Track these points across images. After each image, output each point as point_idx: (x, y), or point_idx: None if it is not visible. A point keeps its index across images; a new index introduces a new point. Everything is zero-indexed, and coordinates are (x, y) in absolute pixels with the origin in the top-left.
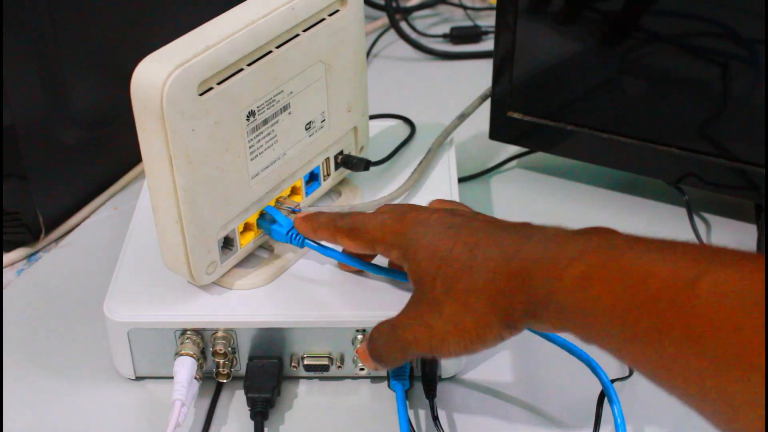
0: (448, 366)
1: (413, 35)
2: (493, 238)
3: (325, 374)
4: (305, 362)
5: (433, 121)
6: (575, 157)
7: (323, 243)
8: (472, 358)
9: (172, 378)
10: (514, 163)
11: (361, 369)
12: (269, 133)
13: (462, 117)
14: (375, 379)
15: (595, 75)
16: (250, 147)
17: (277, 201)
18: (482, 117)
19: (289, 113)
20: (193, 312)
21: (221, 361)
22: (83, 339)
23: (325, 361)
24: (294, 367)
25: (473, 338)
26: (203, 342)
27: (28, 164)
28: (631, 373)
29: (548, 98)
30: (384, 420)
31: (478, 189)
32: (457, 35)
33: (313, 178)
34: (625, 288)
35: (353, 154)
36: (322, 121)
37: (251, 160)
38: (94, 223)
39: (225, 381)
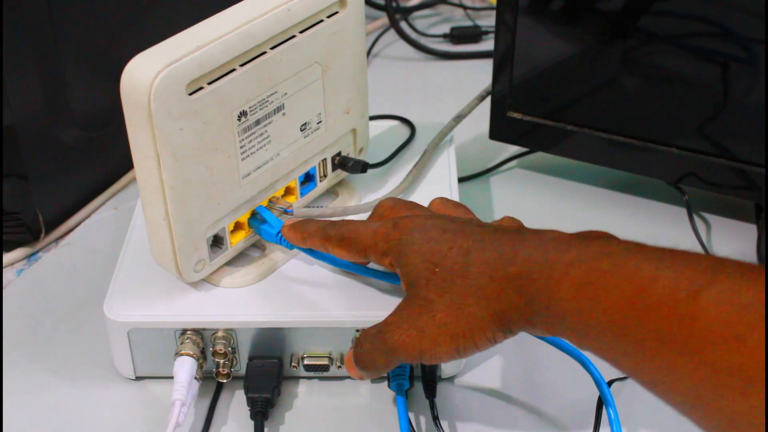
0: (448, 366)
1: (413, 35)
2: (489, 242)
3: (325, 374)
4: (305, 362)
5: (433, 122)
6: (575, 157)
7: None
8: (472, 358)
9: (172, 378)
10: (514, 163)
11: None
12: (262, 134)
13: (458, 118)
14: (375, 379)
15: (595, 75)
16: (241, 147)
17: (270, 201)
18: (482, 117)
19: (283, 114)
20: (193, 312)
21: (221, 361)
22: (83, 339)
23: (325, 361)
24: (294, 367)
25: (466, 342)
26: (203, 342)
27: (28, 164)
28: None
29: (548, 98)
30: (384, 420)
31: (478, 189)
32: (457, 35)
33: (308, 178)
34: (624, 296)
35: (351, 155)
36: (318, 123)
37: (242, 159)
38: (94, 223)
39: (225, 381)
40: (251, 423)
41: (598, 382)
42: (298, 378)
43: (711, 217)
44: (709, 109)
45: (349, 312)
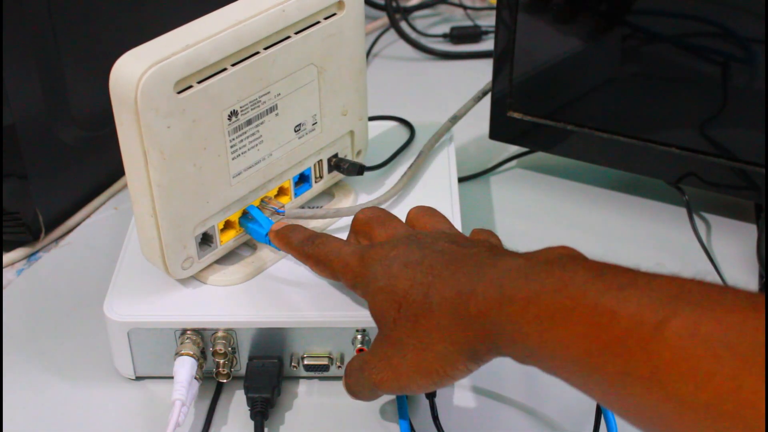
0: None
1: (413, 35)
2: (448, 277)
3: (325, 374)
4: (305, 362)
5: (433, 123)
6: (575, 157)
7: None
8: None
9: (172, 378)
10: (514, 163)
11: None
12: (253, 134)
13: (455, 119)
14: None
15: (595, 75)
16: (231, 146)
17: (263, 201)
18: (482, 117)
19: (276, 115)
20: (194, 312)
21: (221, 361)
22: (83, 339)
23: (325, 361)
24: (294, 367)
25: (441, 377)
26: (203, 342)
27: (28, 164)
28: None
29: (548, 98)
30: (384, 420)
31: (478, 189)
32: (457, 35)
33: (303, 179)
34: (588, 330)
35: (348, 157)
36: (313, 124)
37: (233, 159)
38: (94, 223)
39: (225, 381)
40: (251, 423)
41: None
42: (298, 378)
43: (711, 217)
44: (709, 109)
45: (348, 312)
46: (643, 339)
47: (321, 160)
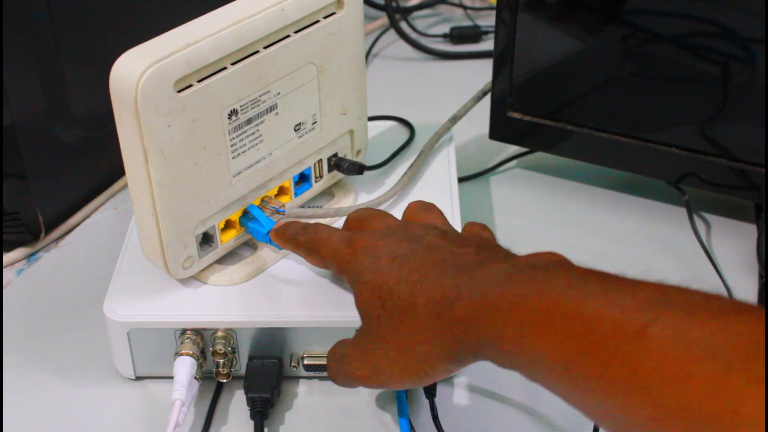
0: None
1: (413, 35)
2: (434, 277)
3: (325, 374)
4: (305, 362)
5: (433, 123)
6: (575, 157)
7: None
8: None
9: (172, 378)
10: (514, 163)
11: None
12: (253, 133)
13: (454, 119)
14: None
15: (595, 75)
16: (231, 145)
17: (263, 200)
18: (482, 117)
19: (276, 114)
20: (193, 312)
21: (221, 361)
22: (83, 339)
23: (325, 361)
24: (294, 367)
25: (420, 376)
26: (203, 342)
27: (28, 164)
28: None
29: (548, 98)
30: (384, 420)
31: (478, 189)
32: (457, 35)
33: (303, 179)
34: (569, 335)
35: (348, 157)
36: (313, 123)
37: (233, 158)
38: (94, 223)
39: (225, 381)
40: (251, 423)
41: None
42: (298, 378)
43: (711, 217)
44: (709, 109)
45: (348, 312)
46: (625, 343)
47: (321, 160)
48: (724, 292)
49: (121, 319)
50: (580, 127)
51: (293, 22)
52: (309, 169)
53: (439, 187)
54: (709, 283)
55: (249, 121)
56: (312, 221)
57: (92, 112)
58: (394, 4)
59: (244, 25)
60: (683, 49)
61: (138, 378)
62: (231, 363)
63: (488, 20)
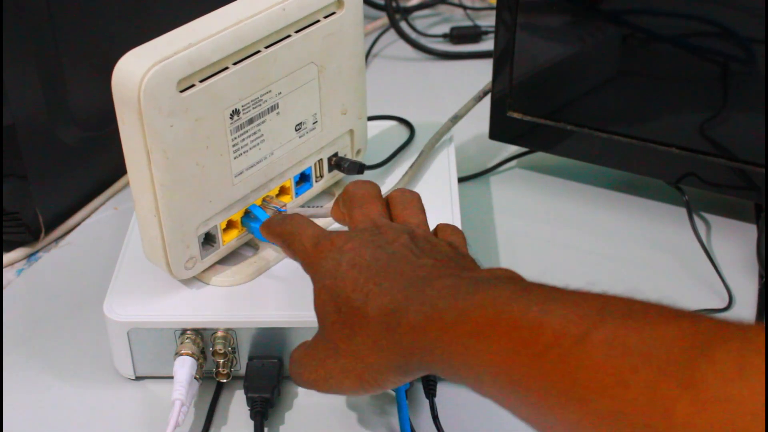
0: None
1: (413, 35)
2: (387, 287)
3: None
4: None
5: (432, 122)
6: (575, 157)
7: None
8: None
9: (172, 378)
10: (514, 163)
11: None
12: (255, 133)
13: (455, 119)
14: None
15: (595, 75)
16: (233, 145)
17: (264, 200)
18: (482, 117)
19: (277, 113)
20: (193, 312)
21: (221, 361)
22: (83, 339)
23: None
24: None
25: (371, 386)
26: (203, 342)
27: (28, 164)
28: None
29: (548, 98)
30: (384, 420)
31: (478, 189)
32: (457, 35)
33: (304, 179)
34: (512, 346)
35: (348, 156)
36: (313, 123)
37: (234, 158)
38: (94, 223)
39: (225, 381)
40: (251, 423)
41: None
42: None
43: (711, 217)
44: (709, 109)
45: None
46: (565, 352)
47: (321, 159)
48: (725, 292)
49: (121, 319)
50: (580, 127)
51: (294, 22)
52: (310, 168)
53: (439, 187)
54: (710, 283)
55: (251, 121)
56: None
57: (92, 112)
58: (394, 4)
59: (245, 25)
60: (683, 49)
61: (138, 378)
62: (231, 363)
63: (488, 20)
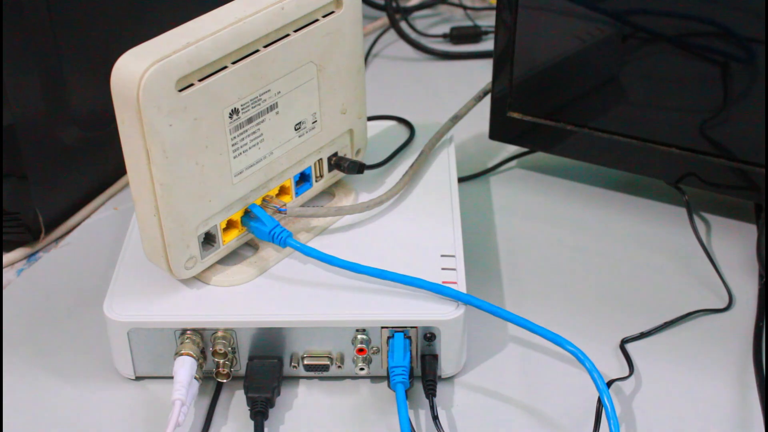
0: (447, 366)
1: (413, 35)
2: None
3: (325, 374)
4: (305, 362)
5: (433, 122)
6: (575, 157)
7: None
8: (473, 358)
9: (172, 378)
10: (514, 163)
11: (361, 369)
12: (254, 132)
13: (455, 119)
14: (375, 379)
15: (595, 75)
16: (233, 145)
17: (264, 200)
18: (482, 117)
19: (277, 113)
20: (193, 312)
21: (221, 361)
22: (83, 339)
23: (325, 361)
24: (294, 367)
25: None
26: (203, 342)
27: (28, 164)
28: (631, 373)
29: (548, 98)
30: (384, 420)
31: (478, 189)
32: (457, 35)
33: (304, 178)
34: None
35: (348, 156)
36: (313, 123)
37: (234, 157)
38: (94, 223)
39: (225, 381)
40: (251, 423)
41: (596, 382)
42: (298, 378)
43: (711, 217)
44: (709, 109)
45: (348, 312)
46: None
47: (321, 159)
48: (725, 292)
49: (121, 319)
50: (580, 127)
51: (293, 21)
52: (309, 168)
53: (439, 187)
54: (709, 283)
55: (250, 120)
56: (314, 220)
57: (92, 112)
58: (394, 4)
59: (244, 24)
60: (683, 49)
61: (138, 378)
62: (231, 363)
63: (488, 20)
